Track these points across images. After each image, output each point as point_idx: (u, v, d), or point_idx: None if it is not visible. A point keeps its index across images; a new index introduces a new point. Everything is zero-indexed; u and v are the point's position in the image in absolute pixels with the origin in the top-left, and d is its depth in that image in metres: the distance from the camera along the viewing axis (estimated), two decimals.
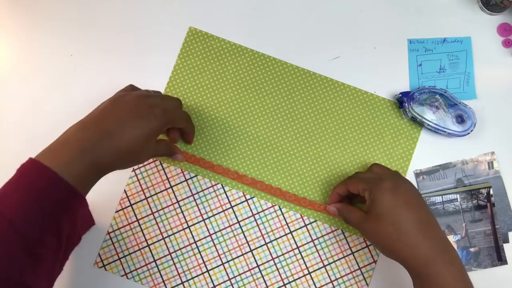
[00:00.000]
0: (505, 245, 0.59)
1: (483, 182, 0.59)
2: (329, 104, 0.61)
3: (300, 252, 0.58)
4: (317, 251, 0.58)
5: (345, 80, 0.61)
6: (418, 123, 0.59)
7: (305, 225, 0.58)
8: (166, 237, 0.58)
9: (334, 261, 0.58)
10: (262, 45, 0.62)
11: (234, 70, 0.61)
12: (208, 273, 0.57)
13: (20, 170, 0.42)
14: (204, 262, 0.58)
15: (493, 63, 0.62)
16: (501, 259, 0.58)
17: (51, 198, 0.41)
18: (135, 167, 0.59)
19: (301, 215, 0.58)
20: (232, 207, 0.59)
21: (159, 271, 0.57)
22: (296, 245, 0.58)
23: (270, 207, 0.59)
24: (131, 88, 0.54)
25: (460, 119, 0.58)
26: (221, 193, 0.59)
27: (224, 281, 0.57)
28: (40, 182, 0.41)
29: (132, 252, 0.58)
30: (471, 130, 0.58)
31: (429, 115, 0.58)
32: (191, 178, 0.59)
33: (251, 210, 0.59)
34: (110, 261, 0.58)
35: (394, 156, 0.60)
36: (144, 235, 0.58)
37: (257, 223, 0.58)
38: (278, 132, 0.60)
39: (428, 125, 0.58)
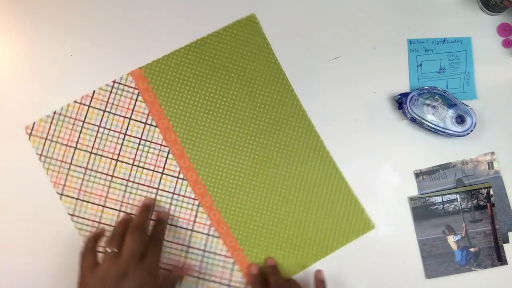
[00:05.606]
0: (505, 245, 0.59)
1: (483, 182, 0.59)
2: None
3: (187, 250, 0.59)
4: (201, 262, 0.59)
5: (345, 80, 0.61)
6: (418, 123, 0.59)
7: (207, 234, 0.59)
8: (93, 152, 0.60)
9: (212, 281, 0.59)
10: None
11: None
12: (104, 208, 0.59)
13: None
14: (105, 197, 0.59)
15: (493, 63, 0.62)
16: (501, 259, 0.58)
17: None
18: (112, 83, 0.60)
19: (210, 225, 0.59)
20: (162, 173, 0.59)
21: (67, 174, 0.59)
22: (188, 246, 0.59)
23: (192, 198, 0.59)
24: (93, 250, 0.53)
25: (460, 119, 0.58)
26: (163, 156, 0.60)
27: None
28: None
29: (61, 143, 0.60)
30: (471, 130, 0.58)
31: (428, 116, 0.58)
32: (151, 125, 0.60)
33: (174, 188, 0.59)
34: (39, 133, 0.59)
35: None
36: (79, 137, 0.60)
37: (171, 201, 0.59)
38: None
39: (428, 126, 0.58)
